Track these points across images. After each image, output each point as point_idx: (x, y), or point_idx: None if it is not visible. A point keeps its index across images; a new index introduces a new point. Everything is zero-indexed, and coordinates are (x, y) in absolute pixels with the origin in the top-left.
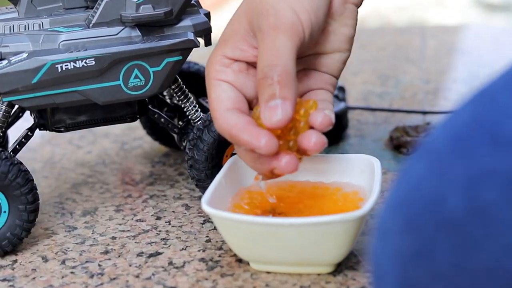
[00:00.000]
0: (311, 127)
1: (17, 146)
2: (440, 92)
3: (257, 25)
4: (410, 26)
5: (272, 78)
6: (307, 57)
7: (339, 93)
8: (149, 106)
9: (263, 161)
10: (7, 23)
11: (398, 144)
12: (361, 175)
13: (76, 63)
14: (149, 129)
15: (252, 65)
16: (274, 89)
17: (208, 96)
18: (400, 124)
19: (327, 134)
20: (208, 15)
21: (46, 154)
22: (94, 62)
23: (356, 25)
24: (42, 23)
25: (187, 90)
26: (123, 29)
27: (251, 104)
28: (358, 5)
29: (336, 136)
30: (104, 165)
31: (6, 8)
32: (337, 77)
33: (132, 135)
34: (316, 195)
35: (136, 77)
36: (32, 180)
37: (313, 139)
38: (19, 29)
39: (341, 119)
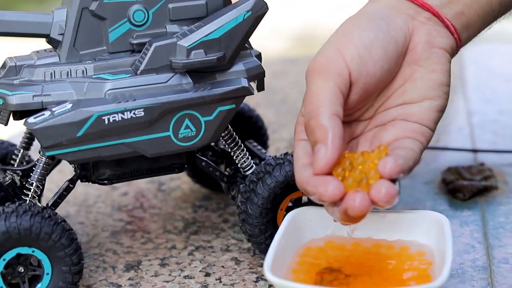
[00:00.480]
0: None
1: (58, 199)
2: (486, 125)
3: (307, 70)
4: None
5: (311, 124)
6: (394, 108)
7: None
8: (197, 154)
9: (336, 206)
10: (47, 69)
11: (453, 188)
12: (428, 234)
13: (124, 114)
14: (190, 171)
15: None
16: (314, 135)
17: (307, 92)
18: (452, 164)
19: None
20: (259, 56)
21: (80, 196)
22: (143, 113)
23: (448, 71)
24: (86, 69)
25: (237, 137)
26: (173, 76)
27: None
28: (449, 50)
29: None
30: (142, 209)
31: (46, 50)
32: (431, 128)
33: (169, 175)
34: (380, 255)
35: (187, 127)
36: (76, 239)
37: (382, 190)
38: (61, 76)
39: None
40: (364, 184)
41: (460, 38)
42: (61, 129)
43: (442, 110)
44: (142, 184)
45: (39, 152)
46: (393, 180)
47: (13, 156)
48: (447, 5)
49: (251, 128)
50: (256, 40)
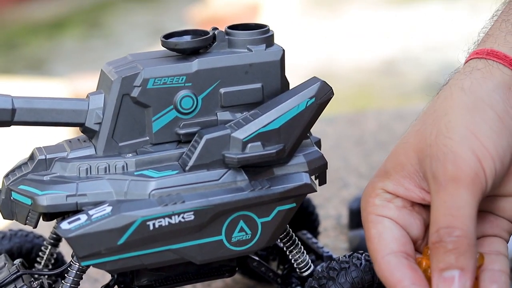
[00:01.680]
0: None
1: None
2: None
3: (430, 169)
4: None
5: (450, 243)
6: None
7: None
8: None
9: None
10: (82, 163)
11: None
12: None
13: (171, 218)
14: None
15: (417, 204)
16: (450, 257)
17: (366, 233)
18: None
19: None
20: (319, 143)
21: None
22: (193, 217)
23: None
24: (126, 164)
25: (294, 234)
26: (226, 172)
27: (415, 245)
28: None
29: None
30: None
31: (79, 140)
32: None
33: None
34: None
35: (242, 230)
36: None
37: None
38: (97, 171)
39: None
40: None
41: None
42: (100, 237)
43: None
44: None
45: (72, 257)
46: None
47: (40, 253)
48: None
49: (302, 214)
50: None
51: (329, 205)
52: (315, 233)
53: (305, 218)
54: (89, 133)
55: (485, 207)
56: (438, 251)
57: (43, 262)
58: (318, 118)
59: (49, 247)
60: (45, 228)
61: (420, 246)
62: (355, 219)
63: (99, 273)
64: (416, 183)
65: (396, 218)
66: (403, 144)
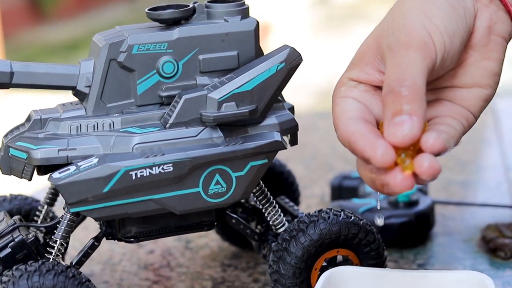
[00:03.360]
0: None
1: (82, 258)
2: None
3: (386, 44)
4: None
5: (399, 92)
6: (442, 89)
7: (422, 186)
8: (227, 211)
9: (378, 175)
10: (73, 122)
11: (494, 247)
12: None
13: (152, 169)
14: (219, 228)
15: (379, 88)
16: (401, 104)
17: (332, 113)
18: (491, 221)
19: (412, 233)
20: (292, 109)
21: (105, 253)
22: (172, 168)
23: (502, 60)
24: (113, 122)
25: (269, 193)
26: (203, 129)
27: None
28: (507, 38)
29: (423, 235)
30: (169, 268)
31: (72, 103)
32: (475, 115)
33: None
34: None
35: (217, 183)
36: None
37: (425, 163)
38: (87, 129)
39: (428, 216)
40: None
41: None
42: (87, 185)
43: (489, 100)
44: (169, 241)
45: (64, 209)
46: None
47: (37, 213)
48: None
49: (282, 184)
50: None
51: (315, 186)
52: (296, 203)
53: (284, 189)
54: (80, 96)
55: (444, 97)
56: (389, 100)
57: (39, 220)
58: (311, 113)
59: (45, 206)
60: (42, 194)
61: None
62: (336, 193)
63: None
64: (376, 67)
65: (359, 98)
66: (367, 37)
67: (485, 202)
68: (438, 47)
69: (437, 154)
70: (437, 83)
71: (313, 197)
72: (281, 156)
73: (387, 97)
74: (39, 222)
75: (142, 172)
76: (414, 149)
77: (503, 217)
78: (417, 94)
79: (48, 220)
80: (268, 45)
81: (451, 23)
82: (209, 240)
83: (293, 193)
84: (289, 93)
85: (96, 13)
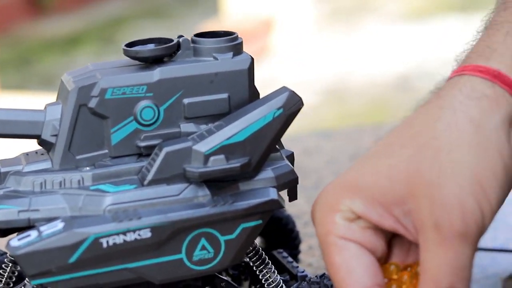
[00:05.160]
0: None
1: None
2: None
3: (431, 215)
4: None
5: None
6: None
7: None
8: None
9: None
10: (37, 177)
11: None
12: None
13: (126, 236)
14: None
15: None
16: None
17: (328, 258)
18: None
19: None
20: (291, 157)
21: None
22: (150, 234)
23: None
24: (83, 178)
25: (263, 253)
26: (187, 187)
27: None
28: None
29: None
30: None
31: (37, 153)
32: None
33: None
34: None
35: (203, 248)
36: None
37: None
38: (52, 186)
39: None
40: None
41: None
42: (50, 255)
43: None
44: None
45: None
46: None
47: (1, 271)
48: None
49: (280, 232)
50: None
51: None
52: (296, 251)
53: (284, 237)
54: (46, 146)
55: None
56: None
57: (3, 280)
58: (314, 133)
59: (10, 264)
60: None
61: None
62: None
63: None
64: (392, 213)
65: (363, 242)
66: (387, 165)
67: (506, 245)
68: (486, 227)
69: None
70: None
71: (315, 237)
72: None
73: None
74: (2, 281)
75: (115, 239)
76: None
77: None
78: None
79: (14, 279)
80: (271, 42)
81: (503, 198)
82: None
83: (293, 241)
84: None
85: (97, 7)
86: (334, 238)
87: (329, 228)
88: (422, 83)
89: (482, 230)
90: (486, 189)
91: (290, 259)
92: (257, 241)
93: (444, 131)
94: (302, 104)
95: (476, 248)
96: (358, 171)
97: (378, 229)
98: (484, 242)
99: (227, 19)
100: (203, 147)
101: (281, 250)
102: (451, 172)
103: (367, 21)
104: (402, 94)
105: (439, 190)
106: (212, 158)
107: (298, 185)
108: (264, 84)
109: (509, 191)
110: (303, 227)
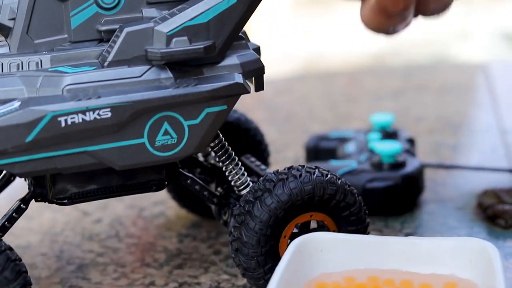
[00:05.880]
0: None
1: (6, 223)
2: None
3: None
4: (468, 63)
5: None
6: None
7: (409, 147)
8: (180, 169)
9: None
10: None
11: (493, 214)
12: (471, 266)
13: (86, 115)
14: (175, 193)
15: None
16: None
17: None
18: (488, 186)
19: (398, 198)
20: (258, 50)
21: (46, 222)
22: (110, 114)
23: None
24: (41, 60)
25: (230, 148)
26: (149, 69)
27: None
28: None
29: (411, 201)
30: (118, 239)
31: None
32: None
33: (151, 198)
34: None
35: (166, 133)
36: (25, 272)
37: None
38: (9, 69)
39: (416, 180)
40: None
41: None
42: (6, 133)
43: None
44: (119, 210)
45: None
46: None
47: None
48: None
49: (248, 142)
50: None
51: (289, 149)
52: (265, 164)
53: (251, 148)
54: (4, 31)
55: None
56: None
57: None
58: (287, 77)
59: None
60: None
61: None
62: (312, 155)
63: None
64: None
65: None
66: None
67: (480, 166)
68: None
69: None
70: None
71: (287, 161)
72: (251, 117)
73: None
74: None
75: (74, 118)
76: None
77: (501, 182)
78: None
79: None
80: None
81: None
82: (165, 208)
83: (262, 153)
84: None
85: None
86: None
87: None
88: (396, 63)
89: None
90: None
91: (258, 162)
92: None
93: None
94: None
95: None
96: None
97: None
98: (459, 163)
99: None
100: (165, 27)
101: (249, 155)
102: None
103: (342, 4)
104: (376, 73)
105: None
106: (174, 40)
107: (268, 118)
108: None
109: None
110: (275, 153)
